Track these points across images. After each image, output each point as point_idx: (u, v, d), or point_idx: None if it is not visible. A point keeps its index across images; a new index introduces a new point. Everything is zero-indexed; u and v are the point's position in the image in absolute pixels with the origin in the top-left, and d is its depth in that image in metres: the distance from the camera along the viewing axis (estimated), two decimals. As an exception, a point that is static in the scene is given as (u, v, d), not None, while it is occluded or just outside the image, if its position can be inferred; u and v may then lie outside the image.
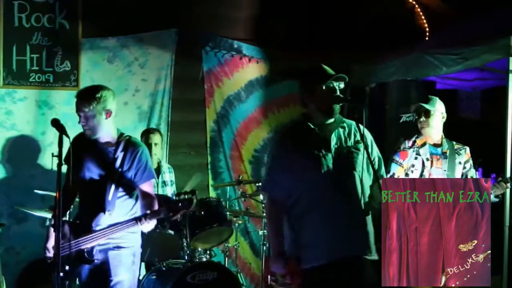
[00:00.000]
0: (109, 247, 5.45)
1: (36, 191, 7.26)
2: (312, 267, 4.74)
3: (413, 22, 10.20)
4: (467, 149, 6.62)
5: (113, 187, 5.40)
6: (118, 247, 5.46)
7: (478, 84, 9.90)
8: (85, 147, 5.52)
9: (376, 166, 5.03)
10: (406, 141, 6.63)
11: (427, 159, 6.53)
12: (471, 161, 6.65)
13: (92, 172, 5.48)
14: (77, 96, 5.56)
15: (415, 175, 6.54)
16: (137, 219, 5.26)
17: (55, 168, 4.94)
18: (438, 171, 6.50)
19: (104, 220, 5.37)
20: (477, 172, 6.76)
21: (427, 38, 9.98)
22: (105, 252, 5.46)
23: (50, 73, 8.03)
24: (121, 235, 5.42)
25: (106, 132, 5.52)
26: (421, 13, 10.16)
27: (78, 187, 5.57)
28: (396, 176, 6.51)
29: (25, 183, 7.82)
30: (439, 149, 6.56)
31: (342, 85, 4.92)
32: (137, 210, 5.52)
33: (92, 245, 5.36)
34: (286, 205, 4.90)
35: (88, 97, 5.49)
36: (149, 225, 5.32)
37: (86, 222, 5.40)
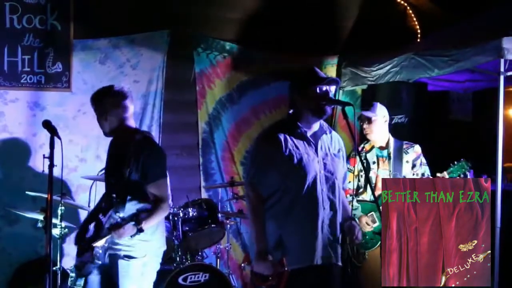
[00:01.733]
0: (119, 255, 5.42)
1: (27, 192, 7.25)
2: (293, 270, 4.75)
3: (404, 23, 10.22)
4: (416, 146, 6.91)
5: (123, 185, 5.38)
6: (128, 257, 5.41)
7: (469, 85, 9.93)
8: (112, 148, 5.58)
9: (343, 178, 5.15)
10: (353, 148, 6.85)
11: (374, 162, 6.78)
12: (421, 158, 6.88)
13: (111, 172, 5.50)
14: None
15: (363, 179, 6.88)
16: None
17: (46, 169, 4.93)
18: (384, 172, 6.81)
19: (112, 218, 5.32)
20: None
21: (418, 40, 10.00)
22: (115, 259, 5.44)
23: (42, 74, 8.01)
24: (133, 243, 5.39)
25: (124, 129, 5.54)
26: (412, 15, 10.18)
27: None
28: (347, 181, 6.61)
29: (16, 185, 7.81)
30: (384, 152, 6.88)
31: (333, 89, 4.97)
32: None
33: (101, 242, 5.35)
34: (268, 202, 4.92)
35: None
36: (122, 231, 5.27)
37: (102, 222, 5.39)
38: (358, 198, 6.88)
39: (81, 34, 8.21)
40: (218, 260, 7.96)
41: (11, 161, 7.95)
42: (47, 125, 5.09)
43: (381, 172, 6.79)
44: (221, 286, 7.04)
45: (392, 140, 6.93)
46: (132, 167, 5.35)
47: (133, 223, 5.20)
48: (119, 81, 8.37)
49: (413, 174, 6.78)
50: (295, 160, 4.84)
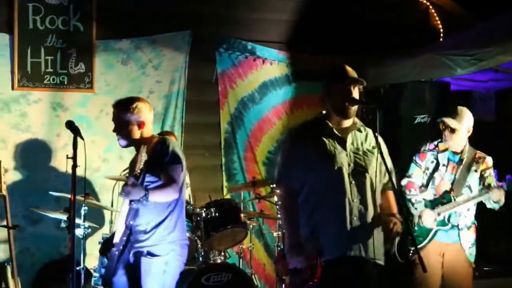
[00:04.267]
0: (142, 252, 5.49)
1: (50, 192, 7.28)
2: (324, 261, 4.73)
3: (427, 23, 10.17)
4: (488, 158, 6.58)
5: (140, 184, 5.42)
6: (151, 255, 5.47)
7: (492, 85, 9.86)
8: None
9: (387, 177, 5.04)
10: (428, 144, 6.65)
11: (443, 165, 6.53)
12: (491, 171, 6.56)
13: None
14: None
15: (427, 177, 6.60)
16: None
17: (69, 170, 4.96)
18: (450, 177, 6.52)
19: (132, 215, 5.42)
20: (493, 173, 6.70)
21: (441, 39, 9.95)
22: (138, 256, 5.49)
23: (65, 75, 8.05)
24: (157, 242, 5.45)
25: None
26: (435, 14, 10.13)
27: None
28: (413, 177, 6.54)
29: (39, 185, 7.85)
30: (457, 157, 6.55)
31: (360, 88, 4.96)
32: (174, 207, 5.54)
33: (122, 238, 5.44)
34: (299, 197, 4.92)
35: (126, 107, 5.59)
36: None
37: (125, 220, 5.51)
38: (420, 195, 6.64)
39: (103, 35, 8.25)
40: (241, 260, 7.97)
41: (35, 161, 7.99)
42: (70, 125, 5.12)
43: (447, 176, 6.54)
44: (243, 286, 7.02)
45: (467, 147, 6.58)
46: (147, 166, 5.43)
47: (142, 186, 5.26)
48: (141, 82, 8.40)
49: (480, 185, 6.54)
50: (321, 154, 4.84)
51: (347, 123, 5.00)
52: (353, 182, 4.85)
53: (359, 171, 4.91)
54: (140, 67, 8.46)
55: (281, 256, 5.12)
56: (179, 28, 8.64)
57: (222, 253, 7.51)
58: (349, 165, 4.88)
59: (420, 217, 6.47)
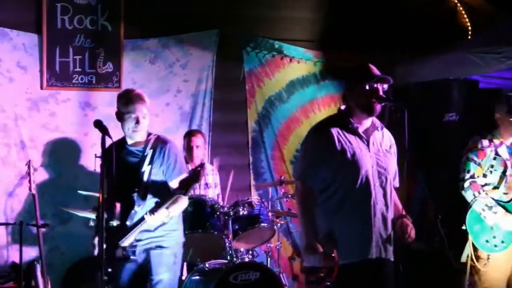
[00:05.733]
0: (151, 247, 5.60)
1: (79, 191, 7.31)
2: (346, 264, 4.72)
3: (455, 21, 10.11)
4: None
5: (144, 182, 5.47)
6: (160, 247, 5.60)
7: (522, 82, 9.80)
8: (117, 149, 5.56)
9: (394, 174, 5.09)
10: (482, 140, 6.48)
11: (507, 160, 6.41)
12: None
13: (124, 173, 5.54)
14: (138, 99, 5.64)
15: (494, 176, 6.44)
16: (151, 211, 5.37)
17: (98, 169, 4.98)
18: None
19: (136, 217, 5.50)
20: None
21: (469, 37, 9.90)
22: (147, 251, 5.58)
23: (93, 74, 8.08)
24: (163, 233, 5.49)
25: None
26: (463, 12, 10.07)
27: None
28: (475, 177, 6.42)
29: (68, 184, 7.89)
30: None
31: (386, 87, 4.94)
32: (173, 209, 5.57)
33: (129, 241, 5.49)
34: (319, 196, 4.90)
35: (143, 99, 5.65)
36: (159, 216, 5.37)
37: (122, 223, 5.55)
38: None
39: (131, 34, 8.27)
40: (269, 259, 7.96)
41: (63, 160, 8.03)
42: (99, 124, 5.15)
43: (510, 171, 6.40)
44: (271, 285, 7.01)
45: None
46: (153, 166, 5.45)
47: (166, 206, 5.36)
48: (169, 81, 8.43)
49: None
50: (348, 155, 4.82)
51: (367, 122, 4.99)
52: (377, 184, 4.86)
53: (381, 173, 4.91)
54: (168, 66, 8.48)
55: (296, 254, 5.11)
56: (206, 27, 8.65)
57: (250, 252, 7.51)
58: (372, 167, 4.88)
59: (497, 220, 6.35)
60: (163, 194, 5.51)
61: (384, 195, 4.91)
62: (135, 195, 5.54)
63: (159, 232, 5.58)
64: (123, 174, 5.49)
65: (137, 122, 5.62)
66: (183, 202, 5.59)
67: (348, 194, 4.83)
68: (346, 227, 4.81)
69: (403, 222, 4.89)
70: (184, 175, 5.56)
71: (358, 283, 4.82)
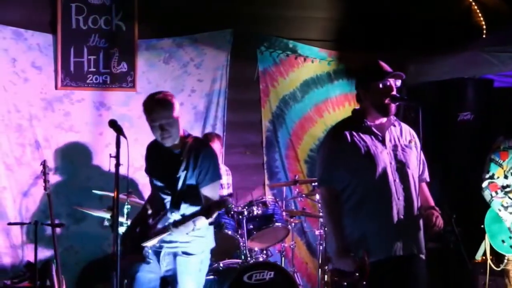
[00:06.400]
0: (177, 252, 5.50)
1: (94, 191, 7.33)
2: (372, 262, 4.69)
3: (469, 19, 10.08)
4: None
5: (179, 188, 5.44)
6: (187, 254, 5.50)
7: (537, 81, 9.76)
8: (156, 152, 5.58)
9: (421, 169, 5.03)
10: (506, 140, 6.44)
11: None
12: None
13: (161, 175, 5.55)
14: (159, 105, 5.50)
15: None
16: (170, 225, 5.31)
17: (112, 168, 4.98)
18: None
19: (167, 221, 5.40)
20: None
21: (484, 36, 9.86)
22: (173, 256, 5.51)
23: (107, 74, 8.10)
24: (191, 239, 5.45)
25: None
26: (477, 11, 10.04)
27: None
28: (495, 177, 6.37)
29: (83, 184, 7.91)
30: None
31: (399, 83, 4.90)
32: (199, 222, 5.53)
33: (152, 243, 5.41)
34: (341, 198, 4.88)
35: (166, 104, 5.50)
36: (184, 229, 5.31)
37: (154, 224, 5.49)
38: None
39: (145, 34, 8.28)
40: (283, 258, 7.95)
41: (78, 160, 8.05)
42: (113, 124, 5.13)
43: None
44: (286, 284, 7.01)
45: None
46: (188, 171, 5.42)
47: (192, 220, 5.24)
48: (183, 80, 8.43)
49: None
50: (363, 154, 4.81)
51: (382, 120, 4.97)
52: (397, 180, 4.83)
53: (401, 168, 4.89)
54: (182, 65, 8.49)
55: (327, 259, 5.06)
56: (220, 27, 8.66)
57: (264, 252, 7.51)
58: (390, 163, 4.86)
59: None
60: (196, 201, 5.47)
61: (406, 190, 4.87)
62: (169, 200, 5.52)
63: (186, 237, 5.44)
64: (159, 175, 5.54)
65: (162, 129, 5.44)
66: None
67: (368, 192, 4.81)
68: (368, 225, 4.79)
69: (430, 212, 4.88)
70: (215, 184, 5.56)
71: (384, 280, 4.79)
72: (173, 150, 5.55)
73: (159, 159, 5.62)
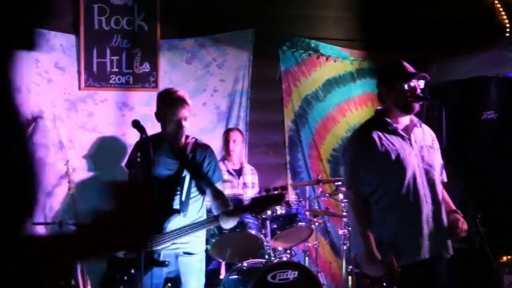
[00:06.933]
0: (179, 253, 5.49)
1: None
2: (400, 266, 4.67)
3: (492, 18, 10.03)
4: None
5: (185, 188, 5.43)
6: (189, 253, 5.50)
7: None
8: (156, 149, 5.48)
9: (440, 169, 5.04)
10: None
11: None
12: None
13: (165, 173, 5.52)
14: (181, 101, 5.51)
15: None
16: (216, 217, 5.29)
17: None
18: None
19: (177, 221, 5.37)
20: None
21: (507, 34, 9.81)
22: (175, 257, 5.50)
23: (130, 74, 8.13)
24: (189, 239, 5.45)
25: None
26: (500, 9, 9.99)
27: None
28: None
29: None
30: None
31: (422, 84, 4.90)
32: (204, 212, 5.56)
33: (166, 245, 5.35)
34: (371, 201, 4.86)
35: (186, 102, 5.54)
36: (231, 222, 5.34)
37: (159, 224, 5.38)
38: None
39: (167, 35, 8.31)
40: (307, 258, 7.95)
41: (101, 160, 8.07)
42: (136, 124, 5.16)
43: None
44: (310, 284, 6.99)
45: None
46: (194, 169, 5.42)
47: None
48: (206, 80, 8.45)
49: None
50: (393, 157, 4.79)
51: (405, 120, 4.96)
52: (424, 182, 4.81)
53: (428, 170, 4.87)
54: (204, 65, 8.50)
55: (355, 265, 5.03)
56: (242, 27, 8.67)
57: (288, 251, 7.51)
58: (418, 165, 4.84)
59: None
60: (203, 199, 5.52)
61: (433, 192, 4.86)
62: (176, 200, 5.50)
63: (186, 238, 5.40)
64: (161, 176, 5.50)
65: (180, 125, 5.47)
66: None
67: (397, 195, 4.79)
68: (398, 229, 4.78)
69: (455, 217, 4.87)
70: (221, 183, 5.62)
71: (412, 284, 4.78)
72: (174, 150, 5.57)
73: (160, 158, 5.55)
